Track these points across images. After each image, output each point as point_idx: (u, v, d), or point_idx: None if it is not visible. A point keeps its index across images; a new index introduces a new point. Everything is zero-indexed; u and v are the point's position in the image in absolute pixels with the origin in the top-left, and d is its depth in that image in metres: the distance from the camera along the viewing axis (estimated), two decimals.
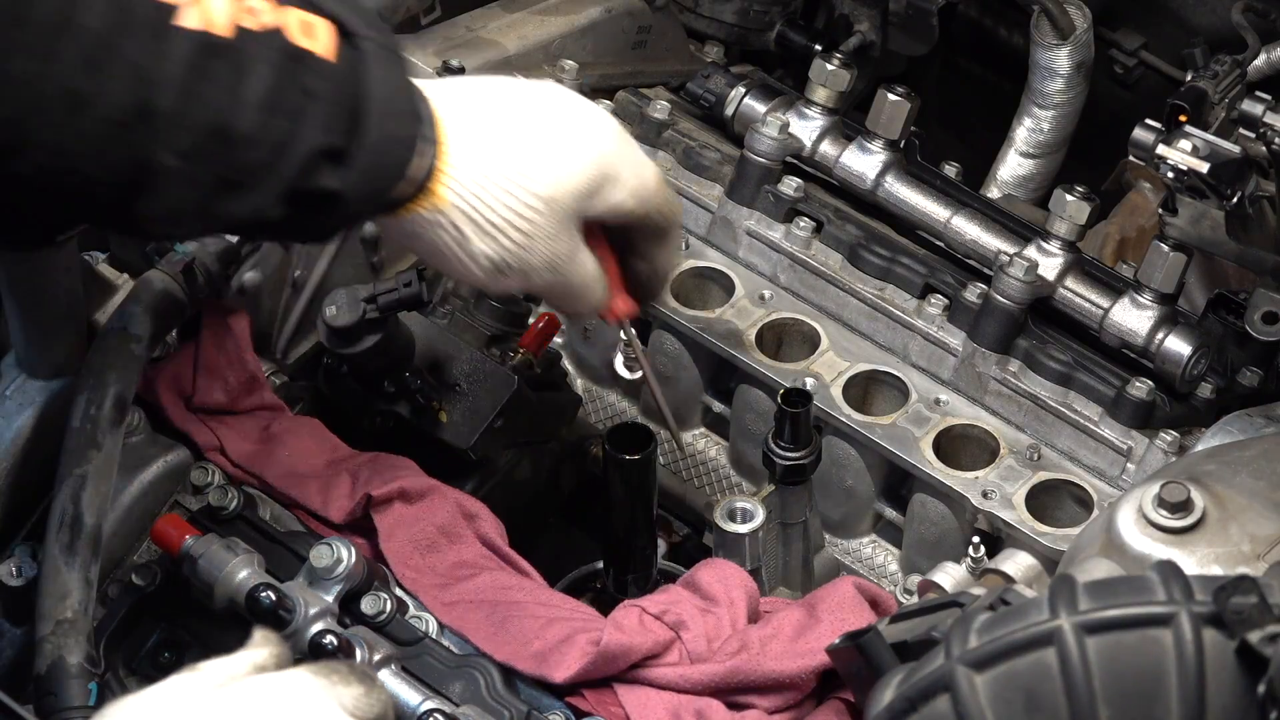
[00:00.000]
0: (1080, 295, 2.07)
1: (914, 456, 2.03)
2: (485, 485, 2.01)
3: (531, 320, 2.12)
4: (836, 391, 2.07)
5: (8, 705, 1.64)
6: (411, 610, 1.82)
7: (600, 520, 1.94)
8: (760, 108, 2.24)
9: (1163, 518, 1.69)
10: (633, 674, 1.76)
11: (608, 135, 1.70)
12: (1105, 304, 2.06)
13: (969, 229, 2.14)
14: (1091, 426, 2.02)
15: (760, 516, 1.93)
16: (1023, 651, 1.40)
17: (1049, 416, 2.04)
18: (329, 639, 1.73)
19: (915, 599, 1.92)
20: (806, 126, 2.21)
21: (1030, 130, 2.51)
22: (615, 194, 1.69)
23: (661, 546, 2.05)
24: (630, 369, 2.17)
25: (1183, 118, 2.19)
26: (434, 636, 1.80)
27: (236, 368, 1.97)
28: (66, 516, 1.78)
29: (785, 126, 2.19)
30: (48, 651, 1.73)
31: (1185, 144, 2.04)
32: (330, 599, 1.77)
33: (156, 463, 1.91)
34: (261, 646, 1.43)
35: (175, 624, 1.86)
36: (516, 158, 1.65)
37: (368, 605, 1.80)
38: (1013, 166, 2.53)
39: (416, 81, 1.63)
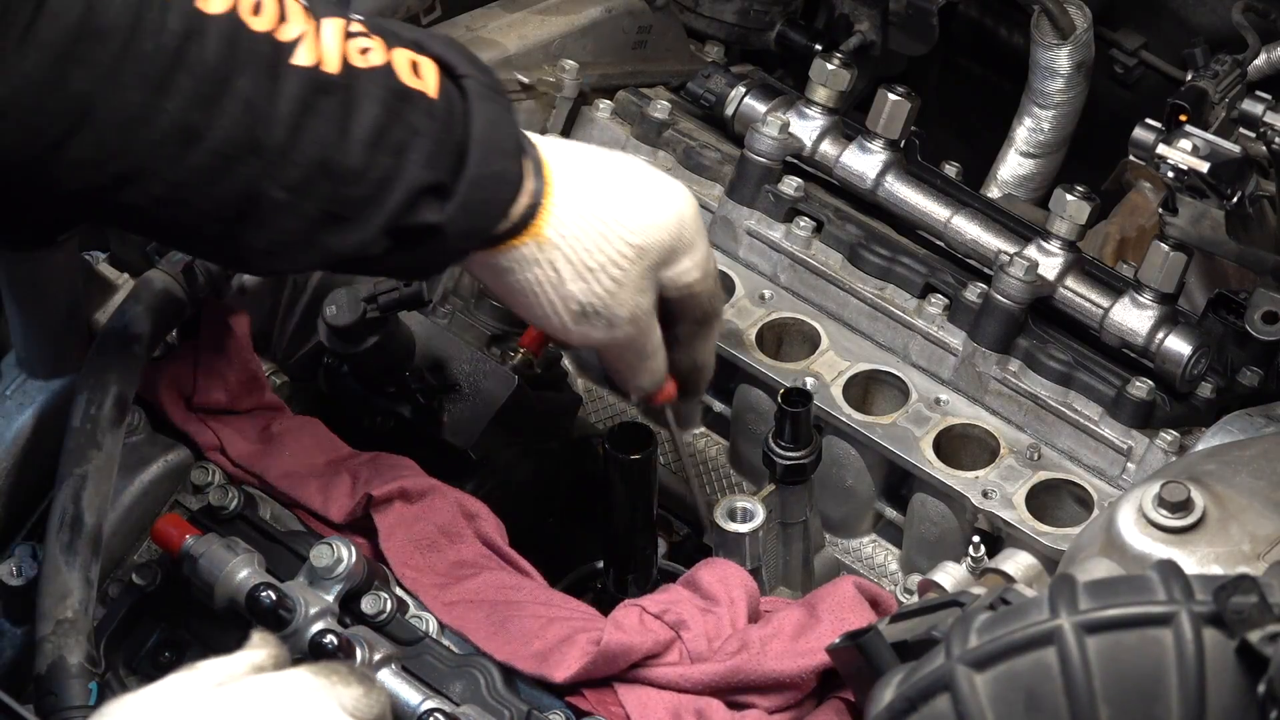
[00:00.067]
0: (1080, 295, 2.07)
1: (914, 456, 2.02)
2: (485, 485, 2.01)
3: None
4: (837, 391, 2.07)
5: (8, 705, 1.64)
6: (412, 610, 1.82)
7: (600, 520, 1.94)
8: (760, 107, 2.24)
9: (1163, 517, 1.69)
10: (633, 674, 1.76)
11: (689, 203, 1.77)
12: (1105, 304, 2.05)
13: (969, 229, 2.14)
14: (1092, 426, 2.02)
15: (760, 516, 1.93)
16: (1023, 651, 1.40)
17: (1049, 416, 2.04)
18: (329, 638, 1.73)
19: (915, 598, 1.91)
20: (807, 126, 2.21)
21: (1030, 130, 2.50)
22: (685, 262, 1.75)
23: (661, 546, 2.05)
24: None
25: (1183, 117, 2.18)
26: (434, 636, 1.80)
27: (237, 367, 1.96)
28: (67, 516, 1.78)
29: (785, 126, 2.19)
30: (48, 651, 1.73)
31: (1185, 144, 2.04)
32: (330, 598, 1.77)
33: (157, 462, 1.91)
34: (260, 648, 1.43)
35: (175, 624, 1.86)
36: (615, 204, 1.70)
37: (368, 605, 1.80)
38: (1013, 166, 2.52)
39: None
